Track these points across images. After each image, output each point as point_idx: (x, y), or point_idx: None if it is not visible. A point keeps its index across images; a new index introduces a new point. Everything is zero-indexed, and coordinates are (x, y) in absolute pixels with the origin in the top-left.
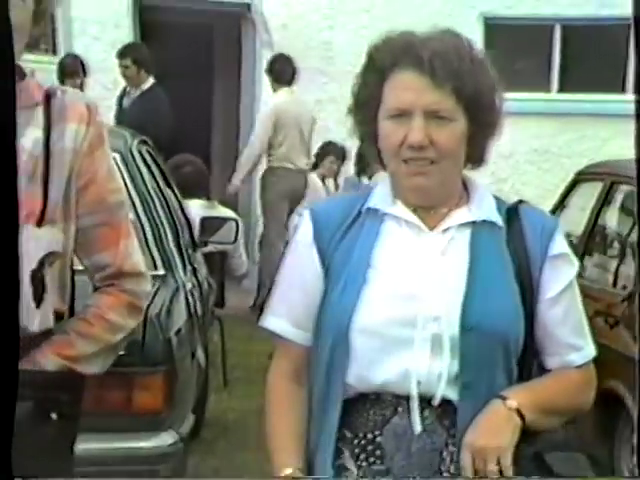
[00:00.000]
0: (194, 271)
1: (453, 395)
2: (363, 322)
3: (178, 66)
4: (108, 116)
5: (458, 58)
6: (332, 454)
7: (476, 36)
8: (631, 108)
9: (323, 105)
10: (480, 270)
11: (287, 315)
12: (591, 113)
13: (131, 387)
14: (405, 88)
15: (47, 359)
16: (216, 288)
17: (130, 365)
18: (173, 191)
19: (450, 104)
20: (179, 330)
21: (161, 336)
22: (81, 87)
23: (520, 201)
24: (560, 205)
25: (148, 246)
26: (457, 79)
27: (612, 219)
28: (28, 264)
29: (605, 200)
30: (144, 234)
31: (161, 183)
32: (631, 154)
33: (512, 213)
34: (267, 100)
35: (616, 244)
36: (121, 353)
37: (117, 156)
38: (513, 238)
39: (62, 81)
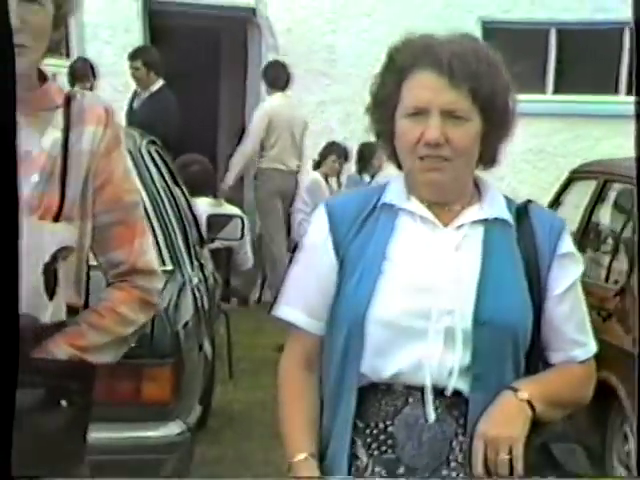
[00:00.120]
0: (201, 267)
1: (464, 387)
2: (378, 313)
3: (186, 68)
4: (120, 116)
5: (476, 60)
6: (348, 442)
7: None
8: (623, 109)
9: (326, 106)
10: (492, 266)
11: (301, 305)
12: (585, 114)
13: (140, 378)
14: (423, 87)
15: (59, 349)
16: (222, 283)
17: (139, 357)
18: (181, 189)
19: (466, 104)
20: (186, 323)
21: (169, 329)
22: (90, 90)
23: (529, 201)
24: (555, 203)
25: (157, 242)
26: (474, 80)
27: (605, 216)
28: (42, 257)
29: (599, 198)
30: (153, 231)
31: (169, 181)
32: (623, 153)
33: (522, 212)
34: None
35: (609, 240)
36: (130, 346)
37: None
38: (523, 236)
39: (72, 84)
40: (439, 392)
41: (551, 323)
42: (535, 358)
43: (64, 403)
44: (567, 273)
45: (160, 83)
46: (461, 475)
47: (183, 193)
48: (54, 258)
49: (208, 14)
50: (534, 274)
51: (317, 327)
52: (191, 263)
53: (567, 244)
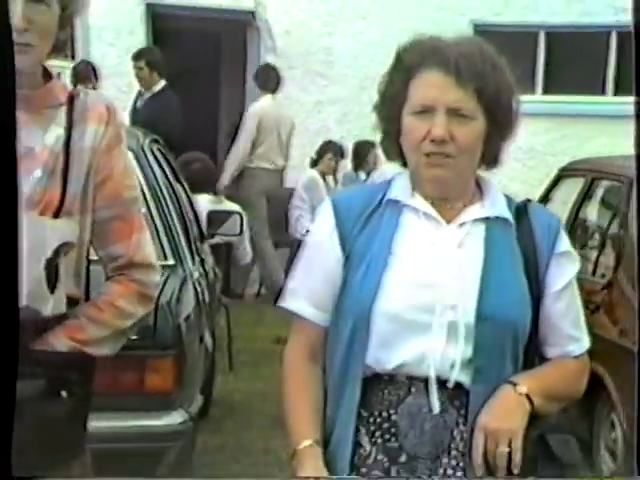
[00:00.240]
0: (201, 261)
1: (465, 379)
2: (384, 306)
3: (188, 70)
4: (123, 116)
5: (482, 61)
6: (352, 431)
7: None
8: (610, 109)
9: (323, 106)
10: (494, 263)
11: (306, 296)
12: (573, 114)
13: (143, 369)
14: (430, 85)
15: (59, 341)
16: (222, 277)
17: (142, 349)
18: (182, 186)
19: (472, 103)
20: (188, 316)
21: (171, 322)
22: None
23: (528, 200)
24: (544, 199)
25: (159, 238)
26: (480, 80)
27: (592, 212)
28: (44, 252)
29: (586, 195)
30: (155, 227)
31: (171, 179)
32: (610, 152)
33: (521, 211)
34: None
35: (596, 236)
36: (134, 337)
37: (130, 154)
38: (522, 234)
39: (75, 85)
40: (441, 383)
41: (549, 319)
42: (532, 352)
43: (64, 394)
44: (564, 271)
45: (162, 83)
46: (461, 464)
47: (184, 190)
48: (56, 253)
49: (209, 17)
50: (533, 271)
51: (322, 318)
52: (192, 258)
53: (565, 243)
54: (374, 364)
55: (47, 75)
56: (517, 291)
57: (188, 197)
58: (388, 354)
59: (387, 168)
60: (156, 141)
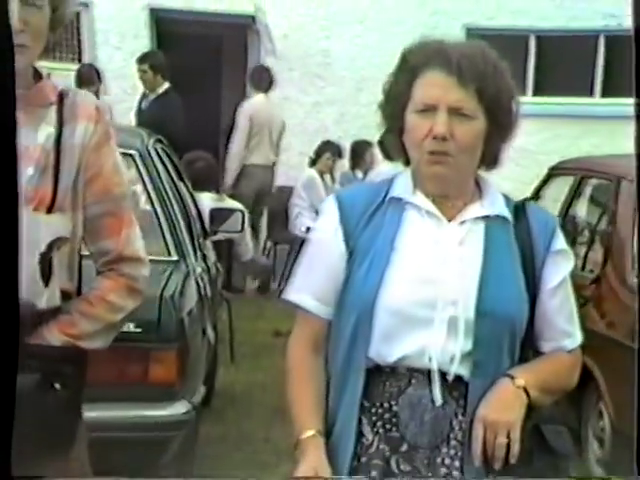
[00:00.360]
0: (204, 257)
1: (464, 372)
2: (387, 301)
3: (191, 72)
4: (128, 116)
5: (483, 62)
6: (355, 421)
7: None
8: (598, 110)
9: (321, 107)
10: (493, 261)
11: (310, 290)
12: (563, 114)
13: (148, 361)
14: (433, 85)
15: (53, 336)
16: (224, 272)
17: (147, 341)
18: (186, 185)
19: (473, 103)
20: (191, 310)
21: (174, 316)
22: (97, 94)
23: (526, 199)
24: (535, 197)
25: (163, 234)
26: (481, 81)
27: (582, 210)
28: (38, 247)
29: (575, 192)
30: (159, 223)
31: (175, 178)
32: (599, 151)
33: (519, 210)
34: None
35: (585, 232)
36: (139, 330)
37: (135, 153)
38: (520, 233)
39: (79, 88)
40: (441, 376)
41: (544, 315)
42: (527, 346)
43: (58, 386)
44: (560, 269)
45: (166, 85)
46: (459, 454)
47: (187, 189)
48: (50, 248)
49: (211, 21)
50: (530, 268)
51: (325, 311)
52: (195, 254)
53: (560, 241)
54: (376, 357)
55: (37, 75)
56: (515, 287)
57: (191, 195)
58: (390, 347)
59: (383, 167)
60: (160, 141)
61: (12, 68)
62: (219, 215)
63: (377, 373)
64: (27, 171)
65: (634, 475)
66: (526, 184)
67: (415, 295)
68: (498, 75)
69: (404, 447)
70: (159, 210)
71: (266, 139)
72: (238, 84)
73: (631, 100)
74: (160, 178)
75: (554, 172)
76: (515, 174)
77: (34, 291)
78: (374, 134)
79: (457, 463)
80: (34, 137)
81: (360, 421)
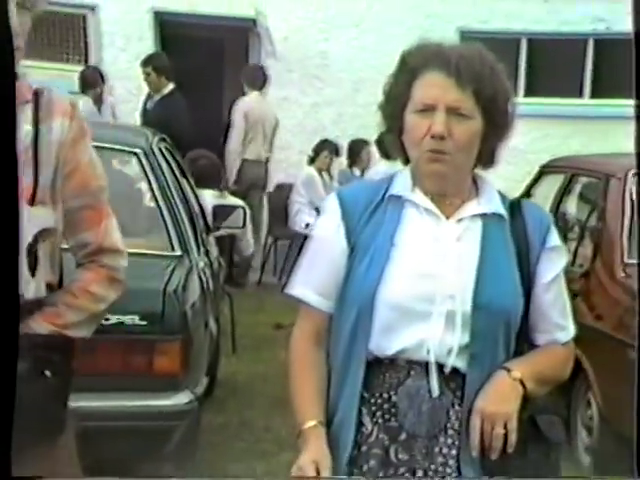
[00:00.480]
0: (206, 252)
1: (461, 364)
2: (386, 296)
3: (194, 73)
4: (133, 116)
5: (481, 64)
6: (355, 411)
7: None
8: (587, 111)
9: (319, 107)
10: (489, 257)
11: (312, 284)
12: (553, 115)
13: (152, 353)
14: (432, 85)
15: (40, 326)
16: (226, 267)
17: (151, 333)
18: (189, 182)
19: (470, 103)
20: (194, 304)
21: (178, 309)
22: (101, 95)
23: (521, 197)
24: (526, 194)
25: (167, 230)
26: (478, 82)
27: (572, 207)
28: (25, 239)
29: (565, 190)
30: (163, 220)
31: (178, 175)
32: (588, 150)
33: (515, 207)
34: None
35: (575, 229)
36: (143, 323)
37: (140, 151)
38: (516, 230)
39: (83, 90)
40: (438, 368)
41: (539, 309)
42: (522, 339)
43: (48, 373)
44: (553, 265)
45: (171, 86)
46: (456, 442)
47: (191, 186)
48: (35, 239)
49: (213, 24)
50: (525, 264)
51: (326, 305)
52: (198, 249)
53: (555, 238)
54: (376, 349)
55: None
56: (510, 282)
57: (194, 192)
58: (389, 340)
59: (381, 167)
60: (164, 140)
61: (12, 68)
62: (221, 211)
63: (377, 365)
64: None
65: (634, 475)
66: (517, 182)
67: (414, 290)
68: (495, 77)
69: (403, 436)
70: (163, 207)
71: (259, 136)
72: (239, 85)
73: (619, 101)
74: (164, 176)
75: (545, 170)
76: (507, 172)
77: (22, 282)
78: (371, 133)
79: (454, 452)
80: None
81: (360, 411)
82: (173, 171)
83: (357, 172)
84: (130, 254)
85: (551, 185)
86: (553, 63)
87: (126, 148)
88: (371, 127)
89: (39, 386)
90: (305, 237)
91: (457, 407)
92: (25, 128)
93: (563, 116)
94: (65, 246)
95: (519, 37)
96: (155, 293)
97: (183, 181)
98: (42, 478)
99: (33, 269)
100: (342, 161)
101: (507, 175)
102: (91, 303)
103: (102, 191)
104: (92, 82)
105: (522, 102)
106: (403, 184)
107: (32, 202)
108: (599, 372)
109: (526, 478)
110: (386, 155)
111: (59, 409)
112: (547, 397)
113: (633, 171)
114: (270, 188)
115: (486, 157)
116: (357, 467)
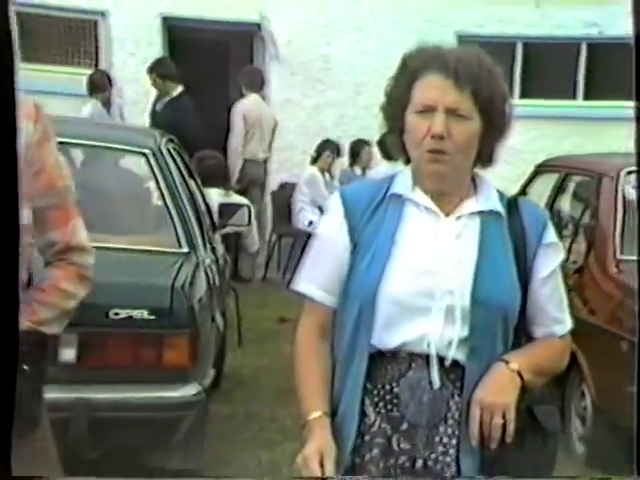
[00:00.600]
0: (213, 249)
1: (461, 356)
2: (388, 291)
3: (200, 75)
4: (142, 117)
5: (478, 67)
6: (358, 402)
7: None
8: (580, 112)
9: (322, 109)
10: (488, 253)
11: (316, 280)
12: (548, 116)
13: (161, 346)
14: (431, 87)
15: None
16: (231, 263)
17: (160, 328)
18: (196, 182)
19: (468, 104)
20: (201, 299)
21: (186, 304)
22: (109, 98)
23: (518, 195)
24: (522, 193)
25: (174, 228)
26: (476, 84)
27: (566, 205)
28: None
29: (560, 189)
30: (171, 218)
31: (186, 175)
32: (582, 150)
33: (512, 205)
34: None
35: (569, 226)
36: (152, 318)
37: (148, 152)
38: (513, 226)
39: (91, 94)
40: (439, 360)
41: (536, 303)
42: (520, 332)
43: (26, 367)
44: (550, 260)
45: (180, 89)
46: (456, 432)
47: (197, 185)
48: None
49: (219, 29)
50: (522, 260)
51: (330, 301)
52: (204, 246)
53: (551, 234)
54: (378, 343)
55: None
56: (508, 278)
57: (201, 191)
58: (391, 334)
59: (382, 168)
60: (172, 140)
61: (12, 69)
62: (227, 210)
63: (379, 357)
64: None
65: (634, 475)
66: (513, 181)
67: (414, 285)
68: (492, 79)
69: (404, 426)
70: (171, 205)
71: (257, 136)
72: None
73: (611, 103)
74: (172, 175)
75: (540, 169)
76: (503, 171)
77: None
78: (372, 134)
79: (454, 441)
80: None
81: (363, 402)
82: (180, 171)
83: (358, 171)
84: (139, 251)
85: (546, 184)
86: (547, 66)
87: (135, 149)
88: (372, 128)
89: (18, 380)
90: (308, 234)
91: (457, 398)
92: None
93: (557, 117)
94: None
95: (514, 41)
96: (163, 289)
97: (190, 180)
98: (42, 478)
99: None
100: (343, 161)
101: (503, 174)
102: (62, 300)
103: (68, 191)
104: (100, 86)
105: (518, 104)
106: (404, 183)
107: None
108: (593, 364)
109: (524, 471)
110: (387, 156)
111: (36, 402)
112: (543, 388)
113: (625, 170)
114: (274, 187)
115: (485, 156)
116: (360, 456)
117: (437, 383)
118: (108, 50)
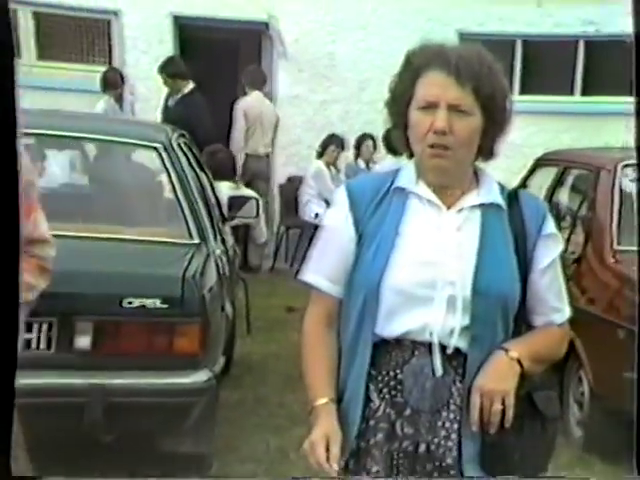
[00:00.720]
0: (223, 240)
1: (462, 345)
2: (391, 282)
3: (211, 73)
4: (154, 113)
5: (479, 64)
6: (363, 388)
7: None
8: (578, 107)
9: (328, 105)
10: (488, 244)
11: (323, 271)
12: (547, 111)
13: (173, 334)
14: (434, 84)
15: None
16: (240, 254)
17: (172, 316)
18: (206, 175)
19: (469, 100)
20: (211, 288)
21: (197, 293)
22: (121, 96)
23: (518, 188)
24: (522, 185)
25: (185, 220)
26: (477, 80)
27: (564, 197)
28: None
29: (558, 182)
30: (182, 210)
31: (196, 169)
32: (580, 144)
33: (512, 197)
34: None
35: (568, 218)
36: (165, 306)
37: (160, 146)
38: (513, 218)
39: (104, 91)
40: (441, 348)
41: (536, 293)
42: (520, 321)
43: None
44: (549, 251)
45: (191, 86)
46: (458, 417)
47: (208, 178)
48: None
49: (228, 28)
50: (522, 251)
51: (336, 290)
52: (214, 237)
53: (551, 226)
54: (382, 331)
55: None
56: (508, 268)
57: (211, 184)
58: (394, 323)
59: (387, 162)
60: (183, 135)
61: (12, 69)
62: (236, 202)
63: (383, 345)
64: None
65: (634, 475)
66: (513, 174)
67: (417, 276)
68: (493, 75)
69: (408, 411)
70: (182, 198)
71: (258, 132)
72: None
73: (608, 98)
74: (183, 169)
75: (539, 163)
76: (504, 165)
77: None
78: (375, 129)
79: (456, 426)
80: None
81: (368, 388)
82: (191, 165)
83: (362, 164)
84: (151, 242)
85: (545, 177)
86: (546, 63)
87: (147, 143)
88: (376, 123)
89: None
90: (315, 226)
91: (459, 384)
92: None
93: (556, 112)
94: None
95: (514, 39)
96: (175, 278)
97: (201, 174)
98: (42, 478)
99: None
100: (348, 155)
101: (503, 167)
102: (23, 292)
103: (30, 186)
104: (113, 83)
105: (517, 99)
106: (407, 177)
107: None
108: (590, 351)
109: (524, 455)
110: (392, 151)
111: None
112: (542, 375)
113: (622, 164)
114: (281, 180)
115: (486, 151)
116: (365, 440)
117: (439, 370)
118: (121, 48)
